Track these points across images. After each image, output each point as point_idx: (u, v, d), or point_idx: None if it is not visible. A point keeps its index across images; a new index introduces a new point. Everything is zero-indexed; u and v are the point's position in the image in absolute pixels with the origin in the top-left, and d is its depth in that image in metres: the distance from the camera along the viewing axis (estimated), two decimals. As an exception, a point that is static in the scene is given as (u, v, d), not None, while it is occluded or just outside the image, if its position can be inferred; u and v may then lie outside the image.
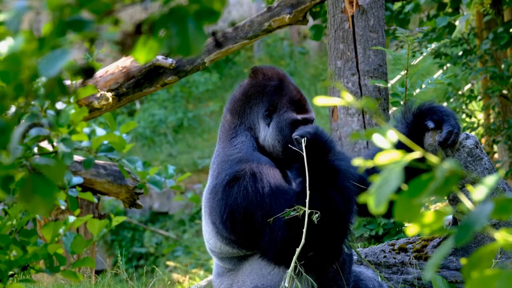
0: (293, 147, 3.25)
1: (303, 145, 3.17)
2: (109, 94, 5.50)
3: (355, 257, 3.90)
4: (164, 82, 5.74)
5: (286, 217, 3.10)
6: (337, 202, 3.10)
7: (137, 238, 12.33)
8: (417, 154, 1.45)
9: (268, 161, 3.33)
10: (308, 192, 3.09)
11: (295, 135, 3.24)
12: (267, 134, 3.43)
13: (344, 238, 3.20)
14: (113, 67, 5.68)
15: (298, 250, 3.11)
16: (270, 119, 3.44)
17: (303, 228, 3.11)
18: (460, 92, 8.29)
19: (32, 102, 1.73)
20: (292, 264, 3.14)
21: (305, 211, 3.08)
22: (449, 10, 7.50)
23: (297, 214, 3.09)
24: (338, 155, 3.19)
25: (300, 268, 3.15)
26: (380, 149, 1.59)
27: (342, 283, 3.34)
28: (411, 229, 1.46)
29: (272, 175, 3.24)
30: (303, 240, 3.09)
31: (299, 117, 3.41)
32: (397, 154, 1.42)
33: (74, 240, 2.24)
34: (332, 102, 1.57)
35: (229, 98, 3.56)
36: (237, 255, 3.42)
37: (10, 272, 2.26)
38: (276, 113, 3.43)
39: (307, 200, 3.07)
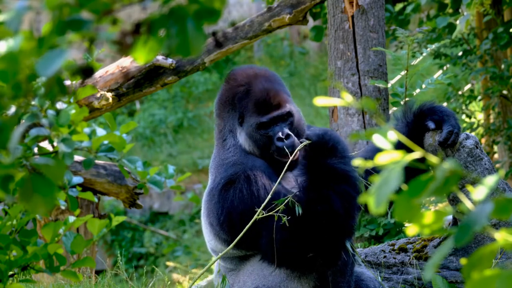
0: (275, 155, 3.28)
1: (304, 147, 3.17)
2: (109, 94, 5.50)
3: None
4: (164, 82, 5.74)
5: (279, 209, 3.10)
6: (337, 206, 3.09)
7: (137, 238, 12.33)
8: (417, 154, 1.45)
9: (262, 162, 3.33)
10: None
11: (305, 136, 3.23)
12: (243, 140, 3.42)
13: (342, 243, 3.18)
14: (113, 67, 5.68)
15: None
16: (243, 126, 3.43)
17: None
18: (460, 93, 8.28)
19: (32, 102, 1.73)
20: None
21: (292, 209, 3.09)
22: (450, 10, 7.49)
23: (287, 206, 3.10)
24: (344, 159, 3.17)
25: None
26: (378, 147, 1.59)
27: (343, 285, 3.34)
28: (411, 229, 1.46)
29: (266, 177, 3.24)
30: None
31: (264, 118, 3.36)
32: (397, 154, 1.42)
33: (74, 240, 2.24)
34: (332, 102, 1.57)
35: (214, 101, 3.59)
36: (238, 255, 3.42)
37: (10, 272, 2.26)
38: (245, 120, 3.41)
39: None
